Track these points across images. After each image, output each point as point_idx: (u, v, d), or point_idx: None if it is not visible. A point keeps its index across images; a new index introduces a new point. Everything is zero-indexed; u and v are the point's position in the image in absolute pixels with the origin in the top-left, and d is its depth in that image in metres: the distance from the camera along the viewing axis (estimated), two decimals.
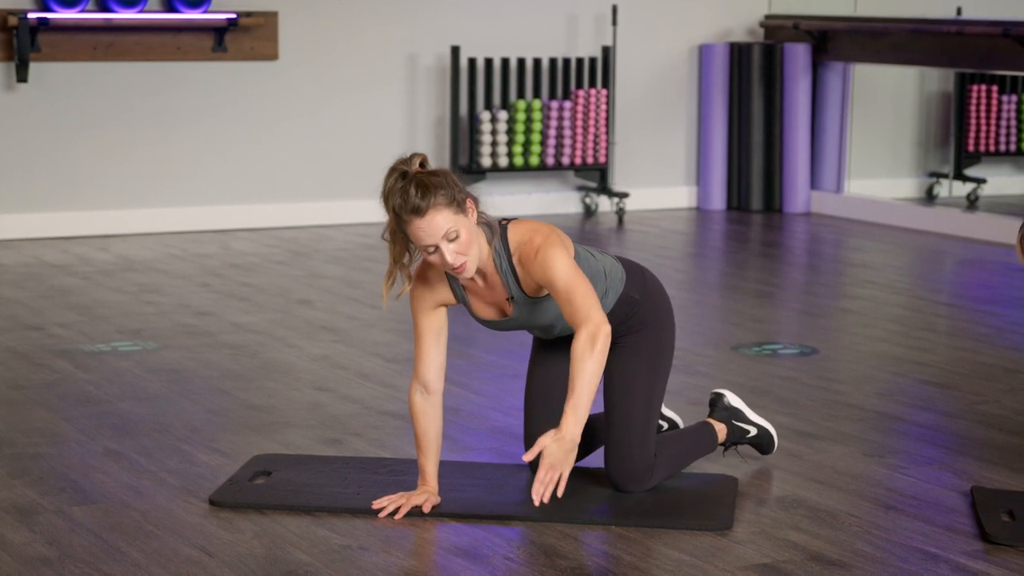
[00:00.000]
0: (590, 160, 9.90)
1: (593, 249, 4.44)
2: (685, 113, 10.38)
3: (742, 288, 7.83)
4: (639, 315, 4.43)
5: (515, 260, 4.22)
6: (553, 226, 4.28)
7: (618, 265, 4.43)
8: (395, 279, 4.21)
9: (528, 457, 4.13)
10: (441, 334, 4.33)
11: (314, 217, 9.47)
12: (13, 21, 8.53)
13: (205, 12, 8.95)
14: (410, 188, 4.06)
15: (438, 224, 4.07)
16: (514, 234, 4.24)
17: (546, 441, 4.09)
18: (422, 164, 4.13)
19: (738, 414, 4.79)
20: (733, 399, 4.82)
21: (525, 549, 4.06)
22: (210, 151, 9.22)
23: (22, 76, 8.62)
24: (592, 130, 9.86)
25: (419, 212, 4.06)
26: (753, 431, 4.78)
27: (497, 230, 4.23)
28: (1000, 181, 10.52)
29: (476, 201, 4.17)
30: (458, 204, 4.09)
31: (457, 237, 4.09)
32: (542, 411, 4.50)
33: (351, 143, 9.53)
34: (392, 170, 4.13)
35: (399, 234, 4.13)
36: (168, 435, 5.04)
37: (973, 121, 10.44)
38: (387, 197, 4.11)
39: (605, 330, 4.12)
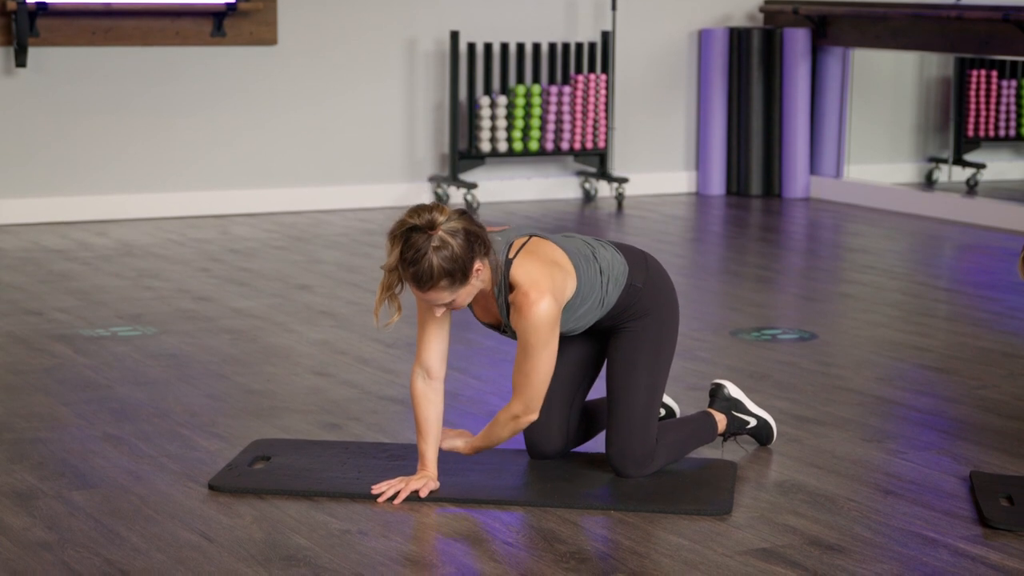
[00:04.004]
0: (589, 145, 9.90)
1: (593, 241, 4.42)
2: (684, 98, 10.38)
3: (741, 273, 7.83)
4: (642, 302, 4.42)
5: (510, 299, 4.24)
6: (556, 270, 4.23)
7: (619, 256, 4.42)
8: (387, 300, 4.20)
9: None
10: (444, 321, 4.33)
11: (313, 202, 9.47)
12: (12, 6, 8.52)
13: None
14: (418, 264, 4.05)
15: (435, 298, 4.14)
16: (516, 274, 4.21)
17: (456, 443, 4.45)
18: (441, 217, 4.08)
19: (738, 405, 4.79)
20: (733, 390, 4.82)
21: (524, 533, 4.07)
22: (209, 136, 9.21)
23: (21, 61, 8.61)
24: (591, 115, 9.85)
25: (420, 287, 4.11)
26: (753, 422, 4.78)
27: (501, 269, 4.21)
28: (999, 166, 10.51)
29: (487, 253, 4.14)
30: (462, 280, 4.10)
31: (454, 301, 4.16)
32: (544, 406, 4.50)
33: (350, 128, 9.53)
34: (402, 223, 4.08)
35: (396, 274, 4.12)
36: (167, 420, 5.04)
37: (973, 106, 10.43)
38: (393, 238, 4.09)
39: (531, 419, 4.30)
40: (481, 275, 4.15)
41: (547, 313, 4.17)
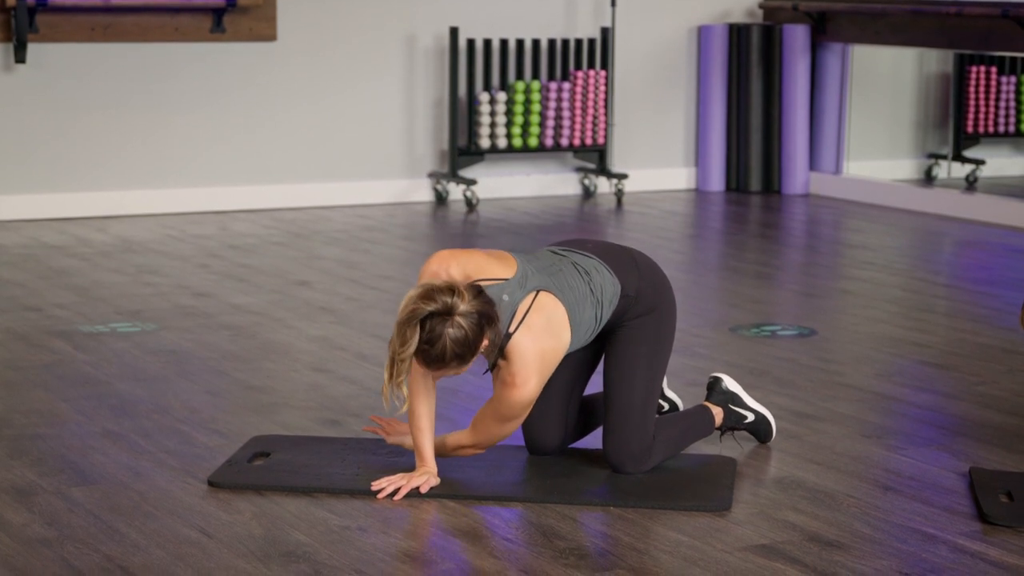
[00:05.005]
0: (589, 141, 9.89)
1: (585, 262, 4.37)
2: (684, 94, 10.37)
3: (741, 269, 7.83)
4: (638, 305, 4.41)
5: (500, 362, 4.26)
6: (550, 345, 4.23)
7: (609, 276, 4.38)
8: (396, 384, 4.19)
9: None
10: None
11: (313, 198, 9.46)
12: (11, 2, 8.51)
13: None
14: (432, 346, 4.06)
15: (442, 375, 4.20)
16: (512, 349, 4.21)
17: (406, 440, 4.50)
18: (462, 304, 4.07)
19: (735, 399, 4.78)
20: (731, 383, 4.81)
21: (524, 530, 4.07)
22: (208, 132, 9.21)
23: (20, 57, 8.61)
24: (591, 111, 9.85)
25: (429, 367, 4.14)
26: (750, 417, 4.78)
27: (500, 339, 4.19)
28: (999, 162, 10.51)
29: (493, 326, 4.13)
30: (469, 358, 4.12)
31: (456, 373, 4.20)
32: (542, 402, 4.50)
33: (350, 124, 9.52)
34: (416, 309, 4.05)
35: (406, 363, 4.10)
36: (167, 416, 5.04)
37: (972, 102, 10.43)
38: (409, 325, 4.06)
39: (478, 452, 4.43)
40: (485, 348, 4.17)
41: (527, 397, 4.23)
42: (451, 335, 4.05)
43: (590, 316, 4.33)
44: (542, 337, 4.23)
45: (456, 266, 4.24)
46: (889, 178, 10.18)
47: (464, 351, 4.09)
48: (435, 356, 4.08)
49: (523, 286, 4.26)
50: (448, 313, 4.05)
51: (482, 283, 4.21)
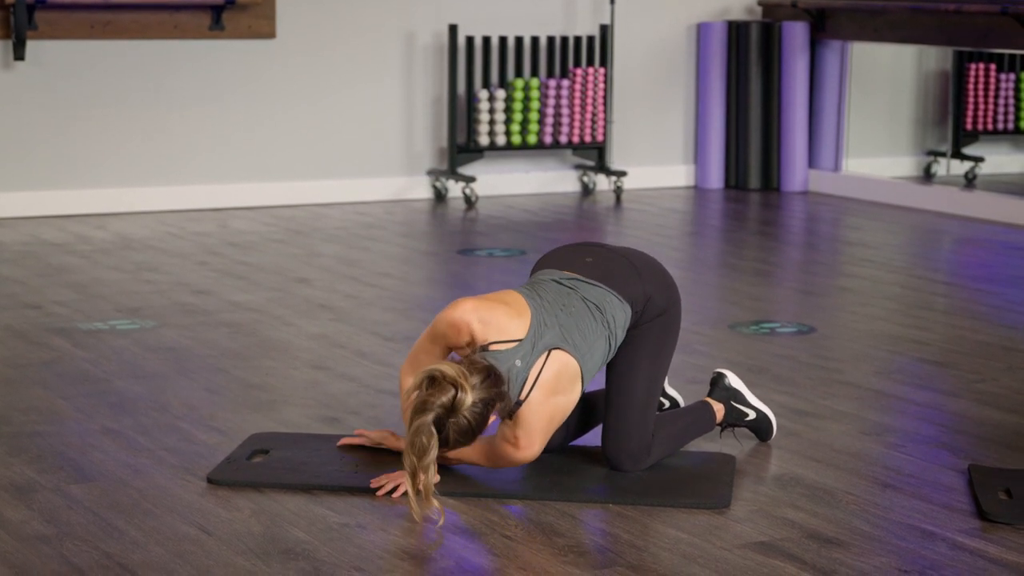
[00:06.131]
0: (588, 139, 9.89)
1: (589, 293, 4.34)
2: (683, 92, 10.37)
3: (740, 267, 7.83)
4: (648, 313, 4.40)
5: (506, 420, 4.25)
6: (560, 405, 4.22)
7: (618, 302, 4.36)
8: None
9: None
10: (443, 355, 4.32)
11: (312, 196, 9.46)
12: None
13: None
14: (439, 434, 4.02)
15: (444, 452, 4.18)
16: (521, 415, 4.20)
17: (389, 441, 4.54)
18: (469, 397, 4.02)
19: (737, 396, 4.78)
20: (734, 380, 4.81)
21: (523, 527, 4.06)
22: (207, 129, 9.21)
23: (19, 54, 8.61)
24: (590, 108, 9.85)
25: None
26: (752, 415, 4.77)
27: (508, 410, 4.18)
28: (998, 159, 10.51)
29: (502, 400, 4.12)
30: (472, 441, 4.10)
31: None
32: None
33: (349, 122, 9.52)
34: (421, 420, 3.98)
35: (431, 470, 4.02)
36: (166, 413, 5.04)
37: (971, 99, 10.43)
38: (423, 430, 4.00)
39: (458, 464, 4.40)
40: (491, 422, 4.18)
41: (527, 459, 4.25)
42: (454, 425, 4.02)
43: (602, 352, 4.32)
44: (552, 399, 4.22)
45: (477, 321, 4.18)
46: (888, 175, 10.19)
47: (467, 439, 4.08)
48: (441, 443, 4.05)
49: (535, 346, 4.22)
50: (453, 411, 4.01)
51: (495, 346, 4.17)
